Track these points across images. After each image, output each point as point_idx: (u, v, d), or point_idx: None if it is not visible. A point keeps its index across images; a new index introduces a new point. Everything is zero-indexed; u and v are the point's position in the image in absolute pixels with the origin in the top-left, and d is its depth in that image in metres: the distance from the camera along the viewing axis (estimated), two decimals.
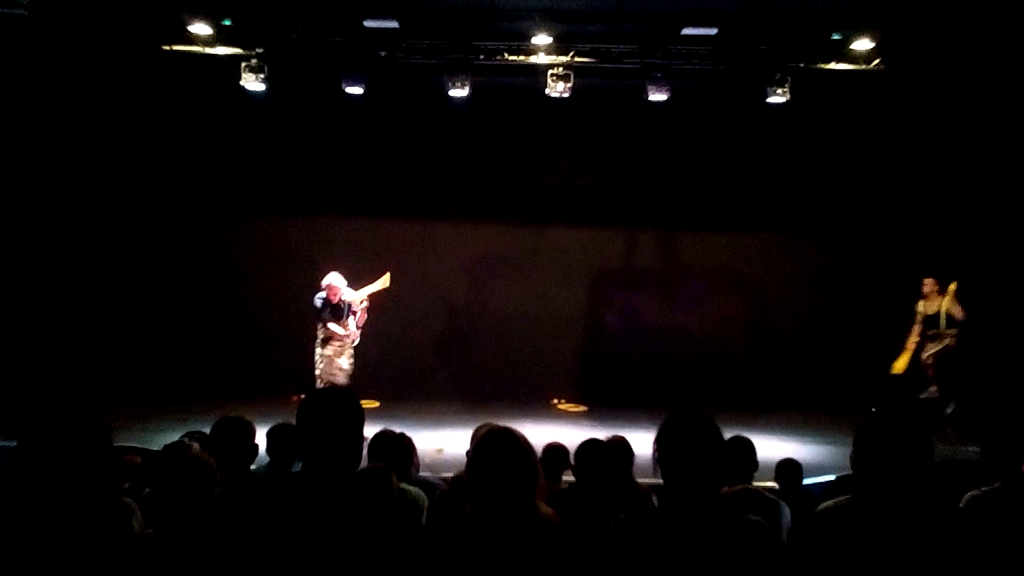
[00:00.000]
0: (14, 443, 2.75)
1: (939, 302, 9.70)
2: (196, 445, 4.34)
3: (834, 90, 10.00)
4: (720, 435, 2.50)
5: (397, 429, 5.04)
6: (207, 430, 4.70)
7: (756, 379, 10.74)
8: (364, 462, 4.05)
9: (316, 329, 8.64)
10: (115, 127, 10.61)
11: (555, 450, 4.62)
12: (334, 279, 8.58)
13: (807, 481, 5.76)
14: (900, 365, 9.83)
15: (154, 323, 10.75)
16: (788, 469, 5.15)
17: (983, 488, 3.29)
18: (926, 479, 2.50)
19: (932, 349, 9.74)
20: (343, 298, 8.64)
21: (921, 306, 9.79)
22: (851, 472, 2.60)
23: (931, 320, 9.73)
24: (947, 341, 9.70)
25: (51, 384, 9.49)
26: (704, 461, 2.44)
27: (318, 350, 8.69)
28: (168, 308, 10.78)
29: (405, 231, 11.19)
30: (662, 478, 2.49)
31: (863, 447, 2.53)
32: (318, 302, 8.56)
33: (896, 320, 10.76)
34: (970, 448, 3.97)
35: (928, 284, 9.82)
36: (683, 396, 9.73)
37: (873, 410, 2.62)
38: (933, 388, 9.72)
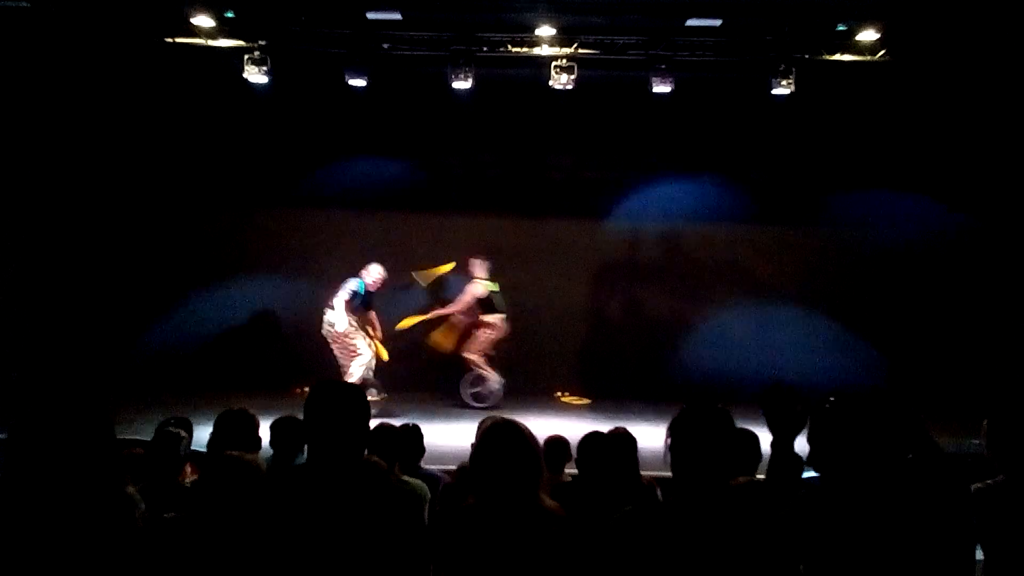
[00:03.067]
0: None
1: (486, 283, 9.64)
2: (184, 433, 4.31)
3: (839, 82, 9.96)
4: (734, 429, 2.50)
5: (400, 422, 5.05)
6: (198, 421, 4.72)
7: (758, 371, 10.70)
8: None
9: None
10: (117, 120, 10.58)
11: (556, 443, 4.62)
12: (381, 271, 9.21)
13: (812, 474, 5.75)
14: (447, 343, 9.70)
15: (156, 316, 10.74)
16: None
17: (987, 481, 3.28)
18: (890, 466, 2.49)
19: (487, 336, 9.65)
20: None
21: (483, 287, 9.61)
22: None
23: (486, 304, 9.65)
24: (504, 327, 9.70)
25: (54, 377, 9.49)
26: (717, 454, 2.43)
27: (355, 339, 8.92)
28: (170, 300, 10.75)
29: (408, 224, 11.17)
30: (672, 469, 2.48)
31: (819, 441, 2.54)
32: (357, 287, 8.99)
33: (902, 314, 10.77)
34: (974, 441, 3.96)
35: (478, 264, 9.67)
36: (687, 389, 9.71)
37: (832, 399, 2.61)
38: (493, 379, 9.62)
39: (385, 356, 9.25)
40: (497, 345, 9.78)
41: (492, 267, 9.77)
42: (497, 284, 9.74)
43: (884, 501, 2.46)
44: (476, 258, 9.75)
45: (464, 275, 9.89)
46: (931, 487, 2.67)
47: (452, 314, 9.77)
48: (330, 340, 8.97)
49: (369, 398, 8.25)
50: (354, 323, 8.96)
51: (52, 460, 2.61)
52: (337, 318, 8.86)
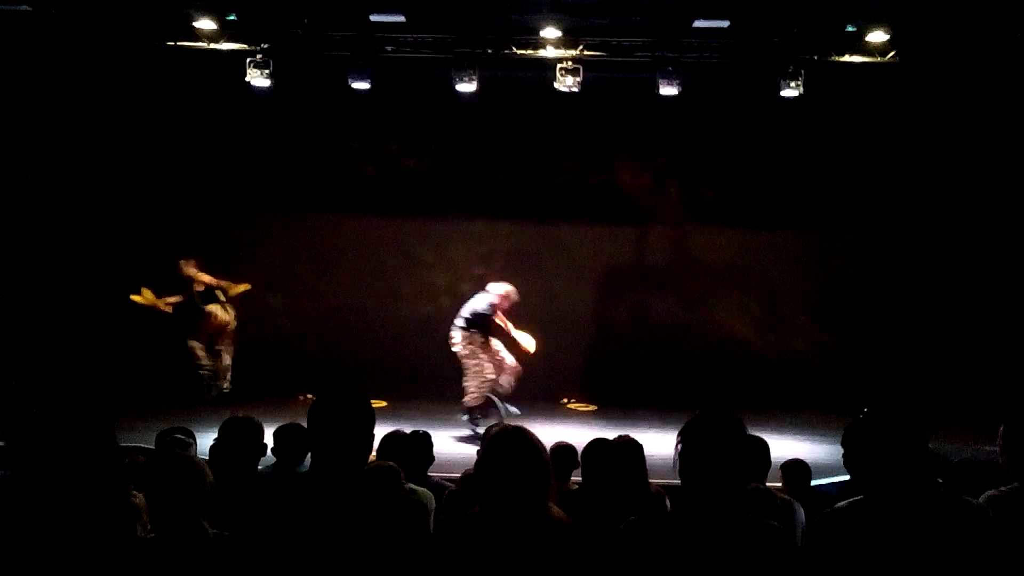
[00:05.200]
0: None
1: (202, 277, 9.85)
2: (190, 440, 4.32)
3: (848, 83, 9.89)
4: (746, 437, 2.46)
5: (406, 429, 5.00)
6: (204, 428, 4.71)
7: (767, 377, 10.64)
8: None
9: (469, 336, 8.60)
10: (119, 124, 10.57)
11: (562, 450, 4.56)
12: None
13: (821, 481, 5.70)
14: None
15: (160, 322, 10.68)
16: (796, 469, 5.09)
17: (1001, 488, 3.23)
18: (925, 477, 2.45)
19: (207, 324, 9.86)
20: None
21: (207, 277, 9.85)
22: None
23: (207, 297, 9.89)
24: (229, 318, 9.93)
25: (55, 384, 9.47)
26: (728, 461, 2.38)
27: (477, 359, 8.63)
28: (174, 307, 10.69)
29: (412, 228, 11.13)
30: (681, 477, 2.43)
31: (855, 449, 2.49)
32: (488, 307, 8.61)
33: (910, 317, 10.69)
34: (989, 448, 3.95)
35: (191, 264, 9.86)
36: (694, 395, 9.64)
37: (865, 411, 2.56)
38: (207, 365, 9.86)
39: (531, 348, 8.89)
40: (219, 336, 9.97)
41: (198, 264, 9.96)
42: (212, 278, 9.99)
43: (916, 512, 2.39)
44: (189, 259, 9.93)
45: (181, 275, 9.95)
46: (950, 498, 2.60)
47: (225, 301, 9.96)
48: (457, 356, 8.75)
49: (476, 428, 8.14)
50: (475, 344, 8.63)
51: (53, 468, 2.57)
52: (456, 337, 8.64)
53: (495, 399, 8.74)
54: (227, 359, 10.04)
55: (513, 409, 8.68)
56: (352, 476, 2.52)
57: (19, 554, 2.48)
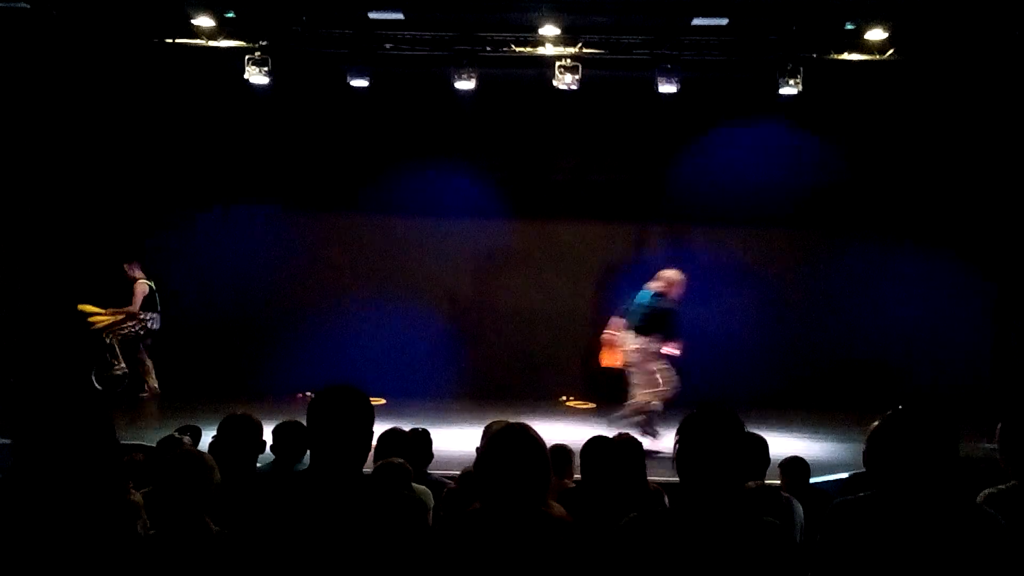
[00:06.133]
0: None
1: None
2: (188, 439, 4.33)
3: (847, 81, 9.88)
4: (744, 433, 2.45)
5: (405, 427, 5.01)
6: (210, 427, 4.72)
7: (766, 376, 10.64)
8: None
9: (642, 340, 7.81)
10: (118, 121, 10.55)
11: (558, 451, 4.55)
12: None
13: (820, 479, 5.70)
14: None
15: (160, 320, 10.70)
16: (795, 467, 5.09)
17: (999, 486, 3.23)
18: (947, 477, 2.45)
19: (131, 328, 10.03)
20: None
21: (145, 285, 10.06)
22: (863, 470, 2.54)
23: (149, 302, 10.10)
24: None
25: (55, 381, 9.47)
26: (725, 458, 2.38)
27: (650, 366, 7.82)
28: (173, 304, 10.70)
29: (411, 227, 11.12)
30: (679, 474, 2.43)
31: (885, 444, 2.47)
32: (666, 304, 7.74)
33: (909, 315, 10.70)
34: (987, 445, 3.98)
35: (136, 267, 10.08)
36: (693, 393, 9.63)
37: (899, 407, 2.54)
38: (123, 365, 10.03)
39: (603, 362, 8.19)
40: (133, 340, 10.10)
41: (142, 266, 10.15)
42: (153, 282, 10.15)
43: (929, 514, 2.39)
44: (132, 262, 10.10)
45: (127, 278, 10.10)
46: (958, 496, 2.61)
47: (128, 311, 10.07)
48: (627, 364, 7.98)
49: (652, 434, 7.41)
50: (645, 346, 7.78)
51: (53, 466, 2.57)
52: (631, 344, 7.85)
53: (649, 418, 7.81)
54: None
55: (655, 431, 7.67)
56: (351, 474, 2.51)
57: (20, 552, 2.49)
